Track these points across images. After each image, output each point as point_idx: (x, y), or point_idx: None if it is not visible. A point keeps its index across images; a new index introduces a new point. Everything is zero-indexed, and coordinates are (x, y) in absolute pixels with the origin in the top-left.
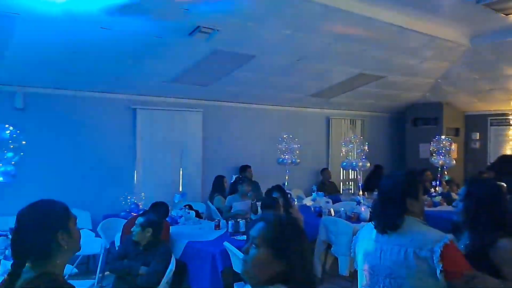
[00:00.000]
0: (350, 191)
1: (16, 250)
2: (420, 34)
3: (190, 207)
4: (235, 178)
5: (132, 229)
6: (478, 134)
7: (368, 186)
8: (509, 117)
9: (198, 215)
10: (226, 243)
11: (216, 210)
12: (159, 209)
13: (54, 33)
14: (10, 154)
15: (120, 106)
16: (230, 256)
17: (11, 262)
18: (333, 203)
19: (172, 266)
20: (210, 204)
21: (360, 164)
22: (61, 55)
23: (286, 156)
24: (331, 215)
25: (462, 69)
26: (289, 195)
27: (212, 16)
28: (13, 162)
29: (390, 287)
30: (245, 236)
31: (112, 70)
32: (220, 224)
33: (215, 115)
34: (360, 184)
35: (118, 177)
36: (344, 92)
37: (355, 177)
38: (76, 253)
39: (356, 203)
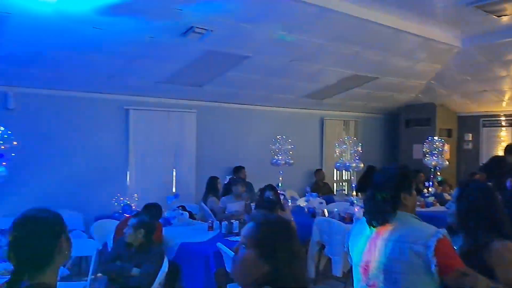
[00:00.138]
0: (344, 191)
1: (18, 259)
2: (413, 36)
3: (184, 208)
4: (229, 179)
5: (124, 231)
6: (470, 135)
7: (361, 186)
8: (501, 118)
9: (191, 216)
10: (219, 244)
11: (210, 211)
12: (152, 211)
13: (46, 33)
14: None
15: (113, 107)
16: (224, 257)
17: (11, 269)
18: (326, 204)
19: (164, 268)
20: (203, 205)
21: (354, 165)
22: (53, 55)
23: (280, 157)
24: (325, 216)
25: (454, 70)
26: (283, 196)
27: (206, 17)
28: (4, 163)
29: (385, 283)
30: (239, 237)
31: (105, 70)
32: (214, 225)
33: (209, 115)
34: (353, 185)
35: (110, 178)
36: (338, 93)
37: (349, 178)
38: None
39: (349, 203)
